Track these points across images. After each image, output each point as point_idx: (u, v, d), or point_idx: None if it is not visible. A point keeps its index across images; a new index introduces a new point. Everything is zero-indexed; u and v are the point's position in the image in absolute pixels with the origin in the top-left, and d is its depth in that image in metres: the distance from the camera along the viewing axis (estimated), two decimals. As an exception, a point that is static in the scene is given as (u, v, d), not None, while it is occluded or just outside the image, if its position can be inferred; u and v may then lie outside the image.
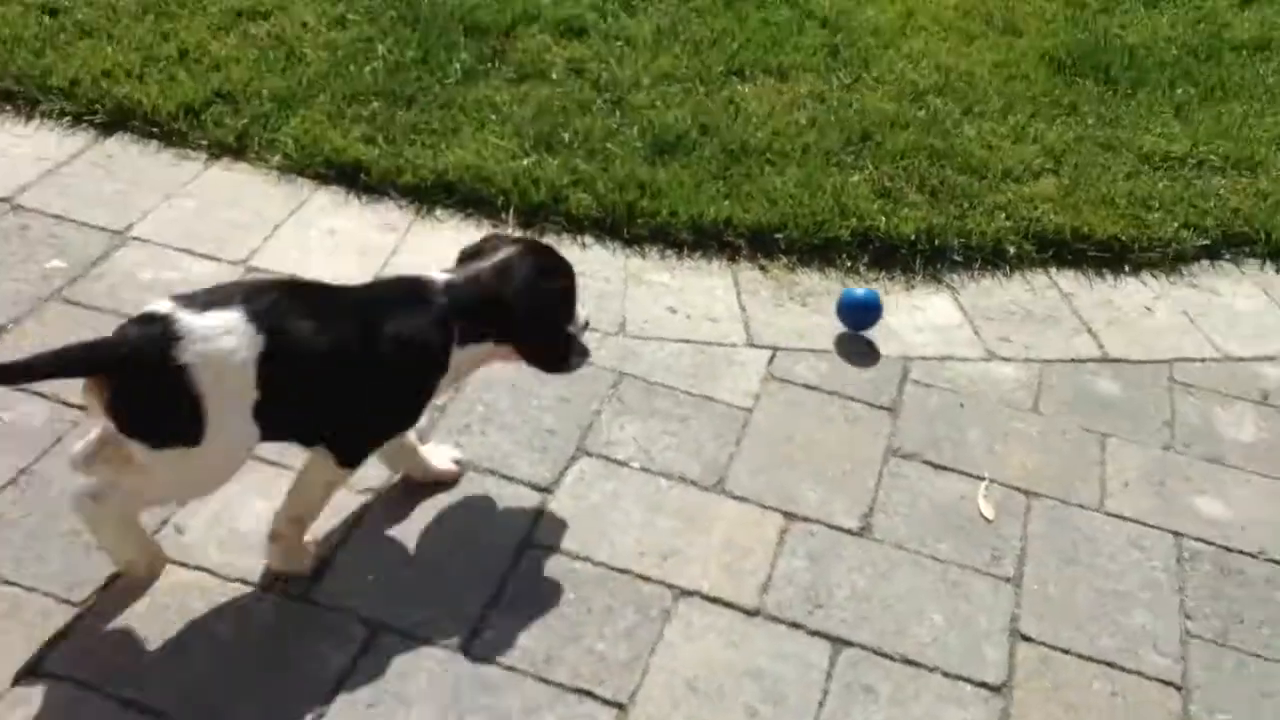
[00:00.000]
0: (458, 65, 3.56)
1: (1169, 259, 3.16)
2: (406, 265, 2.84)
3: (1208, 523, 2.41)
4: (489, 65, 3.61)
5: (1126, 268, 3.14)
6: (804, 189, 3.22)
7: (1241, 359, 2.88)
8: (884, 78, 3.84)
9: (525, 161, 3.17)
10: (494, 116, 3.35)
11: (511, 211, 3.04)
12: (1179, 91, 3.93)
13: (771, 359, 2.73)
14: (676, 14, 4.05)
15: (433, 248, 2.92)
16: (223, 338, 1.77)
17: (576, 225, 3.05)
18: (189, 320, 1.77)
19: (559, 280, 2.12)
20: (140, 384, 1.77)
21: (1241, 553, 2.36)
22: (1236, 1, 4.63)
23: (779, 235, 3.07)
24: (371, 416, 2.01)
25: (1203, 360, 2.86)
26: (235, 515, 2.14)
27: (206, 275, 2.72)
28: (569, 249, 2.98)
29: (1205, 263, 3.20)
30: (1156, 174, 3.46)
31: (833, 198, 3.19)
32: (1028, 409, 2.67)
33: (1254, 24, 4.44)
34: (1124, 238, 3.16)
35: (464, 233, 2.99)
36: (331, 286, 2.03)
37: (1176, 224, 3.23)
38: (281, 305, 1.85)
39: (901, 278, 3.04)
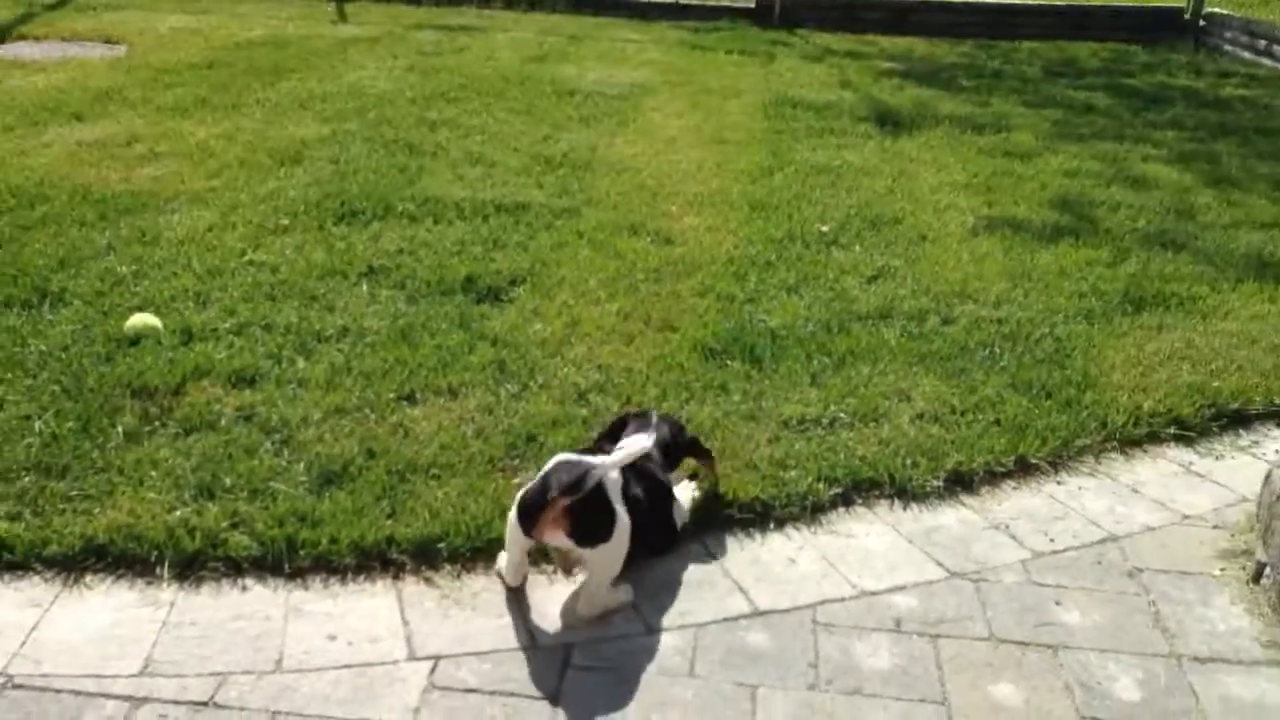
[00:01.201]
0: (120, 429, 3.60)
1: (809, 511, 3.42)
2: (48, 641, 2.77)
3: (850, 754, 2.53)
4: (154, 425, 3.67)
5: (771, 524, 3.38)
6: (466, 496, 3.36)
7: (876, 592, 3.10)
8: (549, 384, 4.12)
9: (181, 512, 3.19)
10: (154, 473, 3.38)
11: (166, 565, 3.03)
12: (815, 362, 4.36)
13: (434, 668, 2.76)
14: (351, 351, 4.26)
15: (79, 619, 2.86)
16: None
17: (235, 568, 3.06)
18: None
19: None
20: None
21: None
22: (864, 279, 5.25)
23: (442, 545, 3.16)
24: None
25: (842, 600, 3.07)
26: None
27: None
28: (227, 594, 2.98)
29: (841, 510, 3.48)
30: (794, 436, 3.79)
31: (493, 501, 3.33)
32: (684, 674, 2.77)
33: (878, 297, 5.03)
34: (765, 497, 3.42)
35: (115, 596, 2.95)
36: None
37: (811, 478, 3.53)
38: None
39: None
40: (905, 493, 3.56)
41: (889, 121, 7.96)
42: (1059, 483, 3.68)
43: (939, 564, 3.25)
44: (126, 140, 6.53)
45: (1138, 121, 8.31)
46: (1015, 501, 3.57)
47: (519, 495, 2.97)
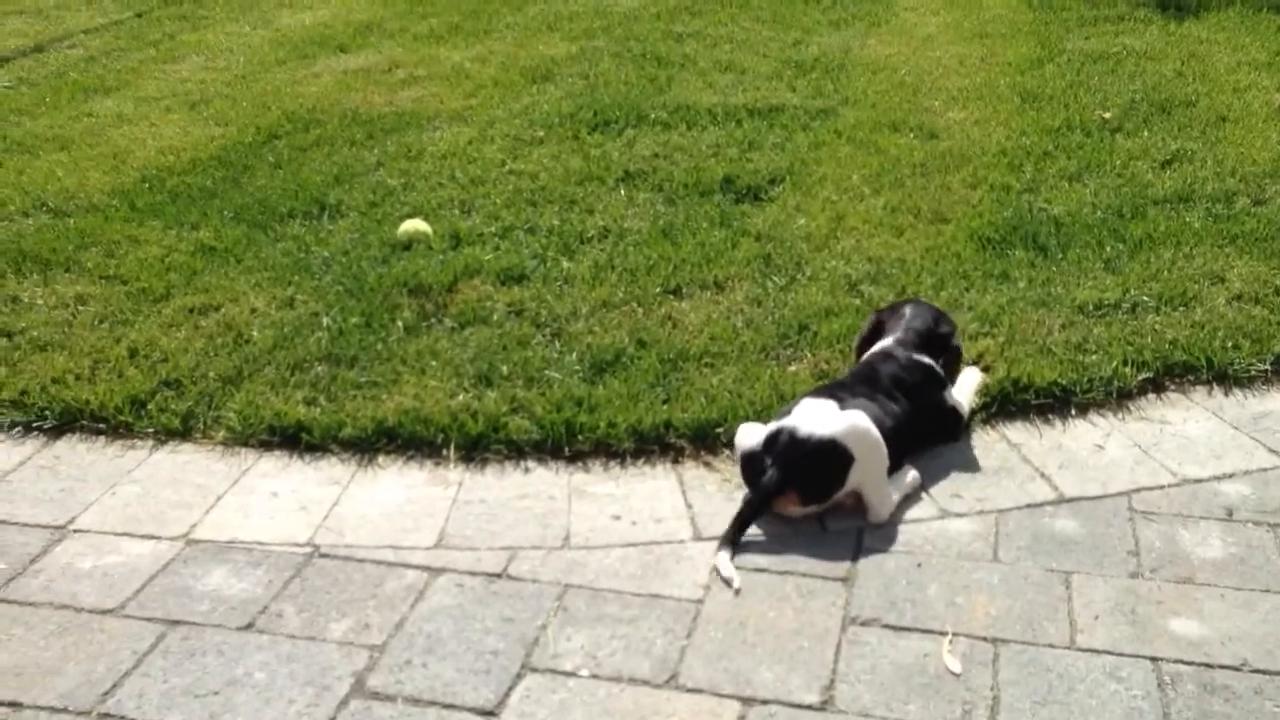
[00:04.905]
0: (400, 324, 3.69)
1: (1114, 397, 3.14)
2: (348, 515, 2.85)
3: (1186, 643, 2.29)
4: (431, 320, 3.74)
5: (1073, 411, 3.12)
6: (741, 383, 3.26)
7: (1200, 480, 2.80)
8: (817, 276, 3.95)
9: (462, 398, 3.23)
10: (434, 363, 3.44)
11: (452, 447, 3.07)
12: (1107, 248, 4.02)
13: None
14: (614, 250, 4.22)
15: (375, 496, 2.93)
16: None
17: (517, 450, 3.07)
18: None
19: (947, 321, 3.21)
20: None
21: (1225, 667, 2.22)
22: (1157, 164, 4.80)
23: (720, 430, 3.07)
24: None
25: (1161, 487, 2.79)
26: None
27: (146, 553, 2.74)
28: (511, 475, 3.00)
29: (1151, 396, 3.17)
30: (1091, 321, 3.49)
31: (771, 387, 3.22)
32: (987, 559, 2.58)
33: (1175, 181, 4.59)
34: (1064, 382, 3.16)
35: (406, 476, 3.01)
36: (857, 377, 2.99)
37: (1115, 362, 3.23)
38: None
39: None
40: (1226, 377, 3.22)
41: (1171, 5, 7.26)
42: None
43: (1272, 451, 2.91)
44: (388, 67, 6.71)
45: None
46: (1358, 385, 3.16)
47: (740, 451, 2.82)
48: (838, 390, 2.89)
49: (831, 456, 2.69)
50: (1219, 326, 3.39)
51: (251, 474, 3.04)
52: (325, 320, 3.71)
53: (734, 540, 2.64)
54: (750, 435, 2.82)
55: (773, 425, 2.79)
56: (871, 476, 2.73)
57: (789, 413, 2.81)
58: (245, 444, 3.14)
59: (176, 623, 2.52)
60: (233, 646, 2.44)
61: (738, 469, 2.84)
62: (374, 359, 3.47)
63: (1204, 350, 3.28)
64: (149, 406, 3.26)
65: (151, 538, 2.80)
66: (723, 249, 4.16)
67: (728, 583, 2.54)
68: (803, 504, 2.73)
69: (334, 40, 7.37)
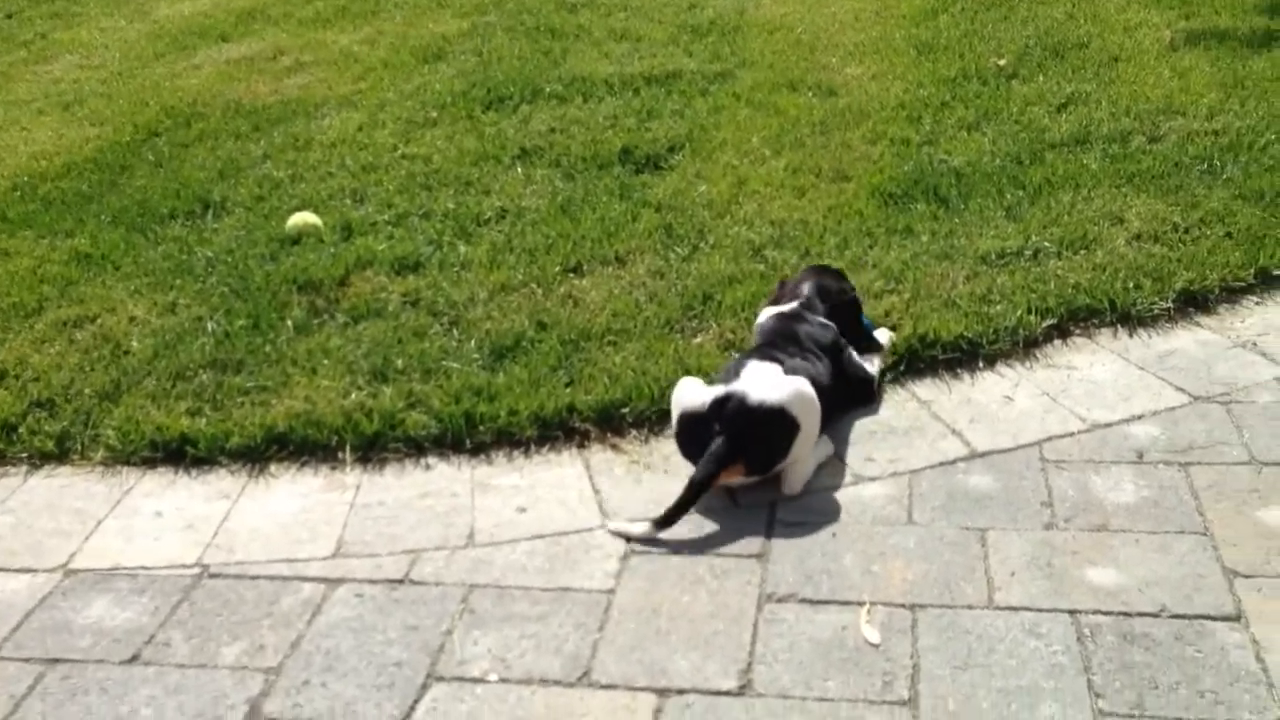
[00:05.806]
0: (289, 323, 3.53)
1: (1021, 346, 3.10)
2: (239, 530, 2.71)
3: (1104, 593, 2.25)
4: (323, 316, 3.58)
5: (981, 363, 3.07)
6: (646, 360, 3.16)
7: (1110, 424, 2.78)
8: (720, 243, 3.86)
9: (356, 396, 3.09)
10: (326, 362, 3.29)
11: (347, 449, 2.94)
12: (1008, 196, 3.98)
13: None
14: (512, 230, 4.09)
15: (267, 508, 2.79)
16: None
17: (416, 447, 2.94)
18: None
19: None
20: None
21: (1144, 615, 2.18)
22: (1053, 108, 4.78)
23: (625, 410, 2.98)
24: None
25: (1071, 434, 2.76)
26: None
27: (22, 588, 2.57)
28: (411, 473, 2.87)
29: (1057, 342, 3.14)
30: (994, 271, 3.45)
31: (676, 362, 3.13)
32: (902, 522, 2.53)
33: (1071, 123, 4.57)
34: (970, 334, 3.11)
35: (300, 483, 2.88)
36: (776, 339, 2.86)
37: (1020, 311, 3.19)
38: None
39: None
40: (1130, 318, 3.20)
41: (1060, -53, 7.26)
42: (1310, 293, 3.25)
43: (1179, 389, 2.89)
44: (273, 54, 6.47)
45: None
46: (1260, 317, 3.17)
47: (681, 410, 2.66)
48: (775, 353, 2.77)
49: (781, 425, 2.58)
50: (1120, 267, 3.37)
51: (134, 494, 2.87)
52: (209, 324, 3.53)
53: (673, 520, 2.52)
54: (692, 394, 2.66)
55: (719, 389, 2.64)
56: (807, 447, 2.64)
57: (736, 375, 2.66)
58: (126, 462, 2.97)
59: (56, 661, 2.36)
60: (116, 682, 2.29)
61: (674, 426, 2.71)
62: (262, 362, 3.31)
63: (1106, 292, 3.26)
64: (20, 430, 3.08)
65: (27, 570, 2.63)
66: (623, 222, 4.05)
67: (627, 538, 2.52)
68: (748, 474, 2.62)
69: (215, 29, 7.10)
